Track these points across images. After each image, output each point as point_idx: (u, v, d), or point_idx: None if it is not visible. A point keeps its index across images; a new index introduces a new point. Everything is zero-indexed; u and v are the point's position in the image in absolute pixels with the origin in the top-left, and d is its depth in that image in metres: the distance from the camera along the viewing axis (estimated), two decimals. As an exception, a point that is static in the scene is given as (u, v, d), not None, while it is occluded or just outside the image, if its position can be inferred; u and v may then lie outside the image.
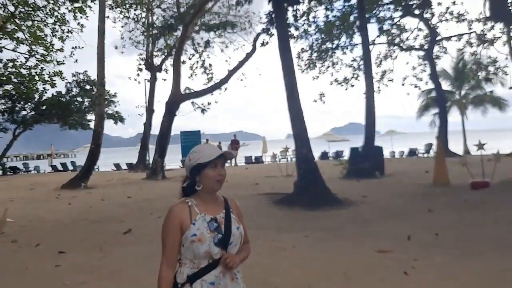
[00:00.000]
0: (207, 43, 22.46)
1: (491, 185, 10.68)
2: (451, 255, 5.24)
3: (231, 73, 20.13)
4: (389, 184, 12.87)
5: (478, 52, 29.24)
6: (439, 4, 26.52)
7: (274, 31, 13.88)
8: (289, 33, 14.02)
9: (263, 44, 18.44)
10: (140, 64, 27.02)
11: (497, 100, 34.74)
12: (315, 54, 28.83)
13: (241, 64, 20.22)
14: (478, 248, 5.54)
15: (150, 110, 26.70)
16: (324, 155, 31.38)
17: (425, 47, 28.65)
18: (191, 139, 19.51)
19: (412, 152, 29.77)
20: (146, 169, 22.21)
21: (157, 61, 27.16)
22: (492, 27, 28.23)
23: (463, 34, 29.09)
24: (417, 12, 26.98)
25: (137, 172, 23.16)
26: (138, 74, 27.67)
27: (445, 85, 34.15)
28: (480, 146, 11.56)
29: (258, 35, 19.82)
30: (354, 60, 30.24)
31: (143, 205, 10.84)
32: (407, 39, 30.05)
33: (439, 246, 5.76)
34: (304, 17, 23.21)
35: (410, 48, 29.85)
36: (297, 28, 16.71)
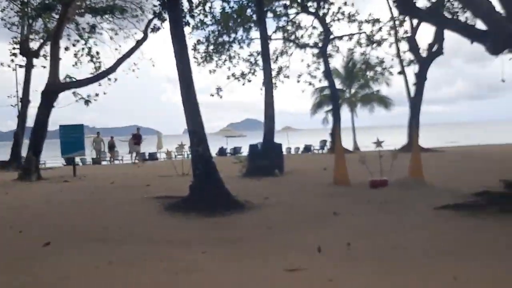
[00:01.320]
0: (93, 28, 20.22)
1: (389, 183, 10.64)
2: (368, 271, 4.57)
3: (119, 61, 18.24)
4: (289, 183, 12.34)
5: (367, 52, 30.71)
6: (332, 4, 27.09)
7: (166, 16, 12.58)
8: (185, 20, 12.82)
9: (153, 30, 16.91)
10: (14, 49, 23.76)
11: (383, 99, 36.98)
12: (211, 47, 27.88)
13: (130, 52, 18.44)
14: (395, 261, 4.96)
15: (25, 101, 23.54)
16: (222, 151, 30.64)
17: (319, 45, 29.22)
18: (72, 134, 17.20)
19: (307, 149, 30.38)
20: (19, 168, 19.37)
21: (35, 46, 24.14)
22: (380, 29, 29.82)
23: (353, 34, 30.23)
24: (312, 10, 27.32)
25: (9, 172, 20.13)
26: (12, 60, 24.39)
27: (337, 84, 35.40)
28: (378, 143, 11.50)
29: (150, 21, 18.23)
30: (251, 55, 29.94)
31: (3, 215, 8.89)
32: (301, 36, 30.49)
33: (353, 259, 5.08)
34: (200, 7, 22.09)
35: (305, 46, 30.26)
36: (192, 16, 15.51)
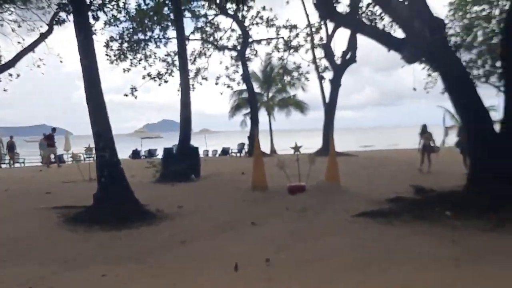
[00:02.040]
0: (-8, 19, 18.00)
1: (307, 189, 10.51)
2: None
3: (20, 55, 16.43)
4: (206, 189, 11.78)
5: (285, 57, 31.09)
6: (250, 7, 26.99)
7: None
8: (94, 14, 11.72)
9: (58, 23, 15.42)
10: None
11: (299, 103, 37.73)
12: (126, 44, 26.42)
13: (33, 45, 16.71)
14: (318, 274, 4.62)
15: None
16: (136, 154, 29.18)
17: (238, 48, 29.00)
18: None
19: (225, 152, 29.96)
20: None
21: None
22: (297, 35, 30.35)
23: (272, 39, 30.43)
24: (231, 12, 26.99)
25: None
26: None
27: (255, 87, 35.47)
28: (297, 148, 11.37)
29: (56, 13, 16.62)
30: (168, 54, 28.91)
31: None
32: (220, 38, 30.06)
33: (273, 277, 4.66)
34: (114, 2, 20.70)
35: (223, 48, 29.88)
36: (101, 10, 14.28)
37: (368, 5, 18.43)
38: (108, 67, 26.58)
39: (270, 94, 38.28)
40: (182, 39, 15.38)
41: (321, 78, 26.89)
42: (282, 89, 37.55)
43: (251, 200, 9.61)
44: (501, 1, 32.35)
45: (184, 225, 7.42)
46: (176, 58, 29.05)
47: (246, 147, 27.68)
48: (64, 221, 7.78)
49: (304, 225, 7.17)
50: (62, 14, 15.16)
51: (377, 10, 18.30)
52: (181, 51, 15.44)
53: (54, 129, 25.11)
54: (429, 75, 37.43)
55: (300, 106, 37.90)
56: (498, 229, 6.22)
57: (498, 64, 34.41)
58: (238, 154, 27.56)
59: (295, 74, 32.88)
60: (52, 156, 24.52)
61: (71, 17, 14.18)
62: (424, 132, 15.16)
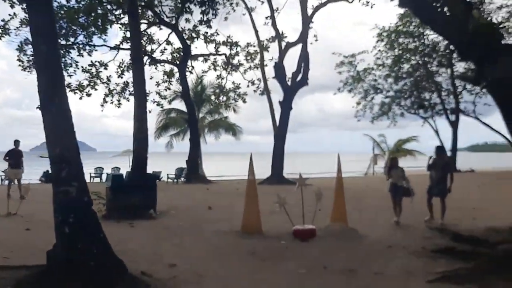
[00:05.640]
0: None
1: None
2: None
3: None
4: (179, 231, 8.99)
5: (224, 76, 29.05)
6: (187, 20, 24.66)
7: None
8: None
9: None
10: None
11: (232, 126, 35.76)
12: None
13: None
14: None
15: None
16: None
17: (176, 62, 26.37)
18: None
19: (156, 177, 26.61)
20: None
21: None
22: (237, 53, 28.54)
23: (211, 55, 28.22)
24: (168, 20, 24.37)
25: None
26: None
27: (182, 107, 32.95)
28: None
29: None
30: (93, 65, 25.38)
31: None
32: (153, 51, 27.22)
33: None
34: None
35: (159, 61, 27.05)
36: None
37: None
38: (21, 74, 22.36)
39: (201, 115, 35.84)
40: (137, 43, 12.55)
41: (269, 100, 25.29)
42: (214, 110, 35.34)
43: (257, 252, 7.13)
44: (426, 35, 34.27)
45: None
46: (102, 69, 25.91)
47: (185, 171, 24.74)
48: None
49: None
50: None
51: None
52: (136, 58, 12.59)
53: (17, 141, 16.27)
54: (358, 103, 38.35)
55: (233, 129, 35.93)
56: None
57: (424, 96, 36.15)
58: (176, 180, 24.39)
59: (232, 94, 31.02)
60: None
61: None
62: (394, 167, 10.29)
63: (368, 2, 24.07)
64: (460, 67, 32.85)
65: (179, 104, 33.30)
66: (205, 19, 21.98)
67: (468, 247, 7.35)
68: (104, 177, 28.34)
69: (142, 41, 26.03)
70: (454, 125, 35.32)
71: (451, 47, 30.66)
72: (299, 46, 23.21)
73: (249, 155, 9.10)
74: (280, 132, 23.38)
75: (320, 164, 49.32)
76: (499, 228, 8.41)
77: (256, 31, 25.92)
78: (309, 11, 23.36)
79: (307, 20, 23.10)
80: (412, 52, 35.37)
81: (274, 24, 24.00)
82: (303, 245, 7.75)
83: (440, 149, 10.92)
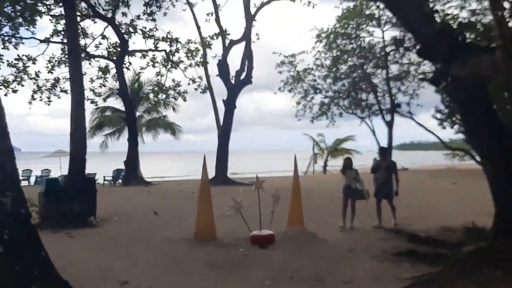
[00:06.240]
0: None
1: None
2: None
3: None
4: (125, 240, 8.23)
5: (163, 73, 27.96)
6: (124, 14, 23.43)
7: None
8: None
9: None
10: None
11: (171, 125, 34.74)
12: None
13: None
14: None
15: None
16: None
17: (114, 58, 24.93)
18: None
19: (94, 180, 24.99)
20: None
21: None
22: (177, 50, 27.55)
23: (147, 51, 27.01)
24: (109, 15, 23.00)
25: None
26: None
27: (119, 105, 31.51)
28: (259, 183, 8.68)
29: None
30: (20, 59, 23.35)
31: None
32: (87, 45, 25.56)
33: None
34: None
35: (93, 56, 25.42)
36: None
37: None
38: None
39: (138, 114, 34.34)
40: (74, 34, 11.46)
41: (212, 97, 24.65)
42: (152, 109, 34.07)
43: (217, 264, 6.61)
44: (362, 38, 35.34)
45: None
46: (30, 63, 23.91)
47: (123, 173, 23.41)
48: None
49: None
50: None
51: None
52: (73, 50, 11.49)
53: None
54: (298, 103, 38.71)
55: (172, 129, 34.87)
56: None
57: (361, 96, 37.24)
58: (113, 183, 22.97)
59: (172, 92, 29.93)
60: None
61: None
62: (348, 168, 9.88)
63: (310, 2, 24.26)
64: (395, 69, 34.12)
65: (115, 102, 31.87)
66: (148, 11, 20.88)
67: (429, 249, 7.33)
68: (32, 180, 26.28)
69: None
70: (390, 124, 36.65)
71: (387, 49, 31.93)
72: (242, 44, 22.79)
73: (187, 154, 8.68)
74: (224, 132, 22.82)
75: (261, 163, 49.36)
76: (453, 228, 8.55)
77: (198, 27, 25.18)
78: (253, 10, 23.06)
79: (250, 18, 22.74)
80: (350, 53, 36.23)
81: (217, 21, 23.39)
82: (263, 253, 7.34)
83: (383, 150, 10.93)
